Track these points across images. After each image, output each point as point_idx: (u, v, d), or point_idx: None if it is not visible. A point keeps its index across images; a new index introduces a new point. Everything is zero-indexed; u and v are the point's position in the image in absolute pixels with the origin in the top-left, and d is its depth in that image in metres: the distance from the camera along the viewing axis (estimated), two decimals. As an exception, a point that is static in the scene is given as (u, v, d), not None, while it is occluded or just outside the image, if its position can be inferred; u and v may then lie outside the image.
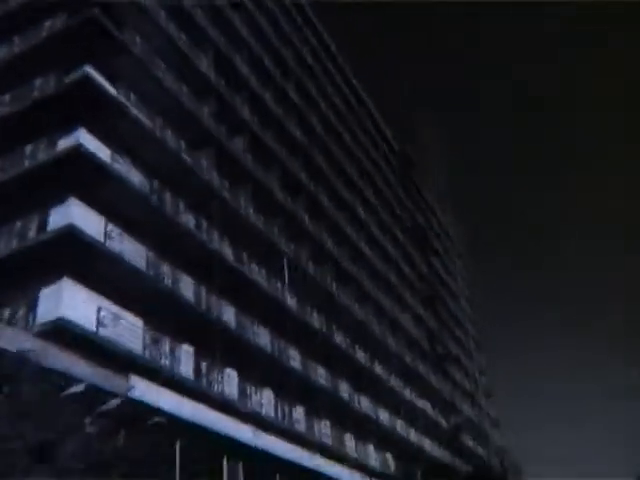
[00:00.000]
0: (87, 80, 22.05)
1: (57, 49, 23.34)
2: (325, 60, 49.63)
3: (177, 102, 26.91)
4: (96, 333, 19.53)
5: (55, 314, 18.84)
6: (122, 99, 23.31)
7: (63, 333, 18.40)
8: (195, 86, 29.30)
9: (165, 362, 23.02)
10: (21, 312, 19.33)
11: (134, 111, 23.72)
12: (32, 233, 21.05)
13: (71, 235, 19.62)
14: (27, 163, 22.07)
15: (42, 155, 21.97)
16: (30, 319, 19.24)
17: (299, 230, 36.41)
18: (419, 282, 58.16)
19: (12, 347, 14.24)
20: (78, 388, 14.89)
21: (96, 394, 15.67)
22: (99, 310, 19.97)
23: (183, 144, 27.05)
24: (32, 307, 19.43)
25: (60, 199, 21.01)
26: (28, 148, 22.39)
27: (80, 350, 17.41)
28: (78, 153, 20.77)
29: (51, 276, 19.84)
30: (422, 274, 59.39)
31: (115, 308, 20.97)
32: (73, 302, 19.56)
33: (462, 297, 72.66)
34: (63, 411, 13.84)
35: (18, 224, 21.09)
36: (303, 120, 40.84)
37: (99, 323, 19.76)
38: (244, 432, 23.42)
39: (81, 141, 21.24)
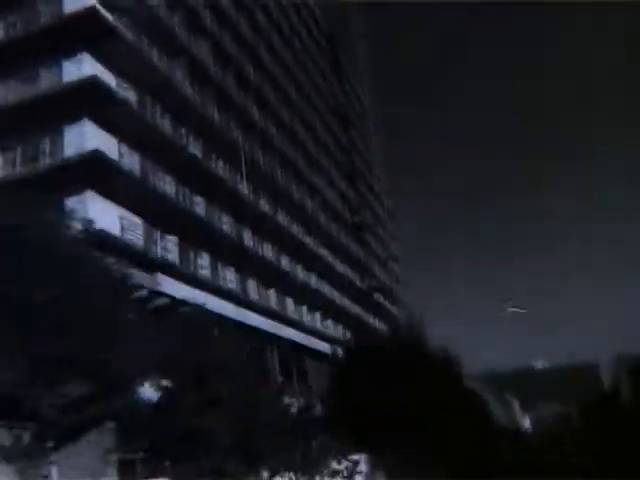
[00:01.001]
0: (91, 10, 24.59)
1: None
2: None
3: (157, 18, 29.43)
4: (122, 238, 23.89)
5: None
6: (119, 25, 25.97)
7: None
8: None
9: (161, 253, 27.72)
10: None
11: (129, 35, 26.49)
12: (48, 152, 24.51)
13: (97, 157, 23.25)
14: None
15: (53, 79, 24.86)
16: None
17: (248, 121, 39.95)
18: (341, 156, 63.18)
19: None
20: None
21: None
22: (122, 218, 24.18)
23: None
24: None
25: (74, 121, 24.41)
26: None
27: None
28: (93, 82, 23.86)
29: (76, 190, 23.68)
30: (344, 149, 64.35)
31: (127, 214, 25.16)
32: (96, 212, 23.60)
33: (379, 170, 78.78)
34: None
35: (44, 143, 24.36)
36: (251, 15, 43.20)
37: (122, 229, 24.06)
38: (229, 309, 29.07)
39: (92, 70, 24.27)
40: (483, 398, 74.99)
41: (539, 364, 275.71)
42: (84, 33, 24.66)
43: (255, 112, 41.26)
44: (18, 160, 25.02)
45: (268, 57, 45.59)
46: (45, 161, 24.41)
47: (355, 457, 29.15)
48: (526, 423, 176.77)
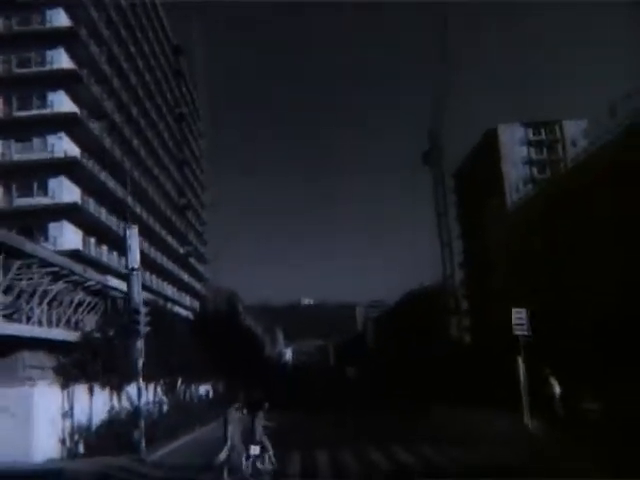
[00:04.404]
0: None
1: None
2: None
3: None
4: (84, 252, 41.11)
5: (65, 243, 39.78)
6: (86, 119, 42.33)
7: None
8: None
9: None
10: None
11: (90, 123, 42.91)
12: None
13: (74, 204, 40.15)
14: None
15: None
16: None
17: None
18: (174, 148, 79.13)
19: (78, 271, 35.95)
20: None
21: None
22: (84, 239, 41.41)
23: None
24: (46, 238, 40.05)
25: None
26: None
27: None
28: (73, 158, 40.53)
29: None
30: (177, 142, 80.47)
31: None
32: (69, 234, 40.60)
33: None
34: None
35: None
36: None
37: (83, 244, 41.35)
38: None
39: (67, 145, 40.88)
40: (256, 332, 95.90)
41: (306, 301, 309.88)
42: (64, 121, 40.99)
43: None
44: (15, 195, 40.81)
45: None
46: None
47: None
48: (288, 353, 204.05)
